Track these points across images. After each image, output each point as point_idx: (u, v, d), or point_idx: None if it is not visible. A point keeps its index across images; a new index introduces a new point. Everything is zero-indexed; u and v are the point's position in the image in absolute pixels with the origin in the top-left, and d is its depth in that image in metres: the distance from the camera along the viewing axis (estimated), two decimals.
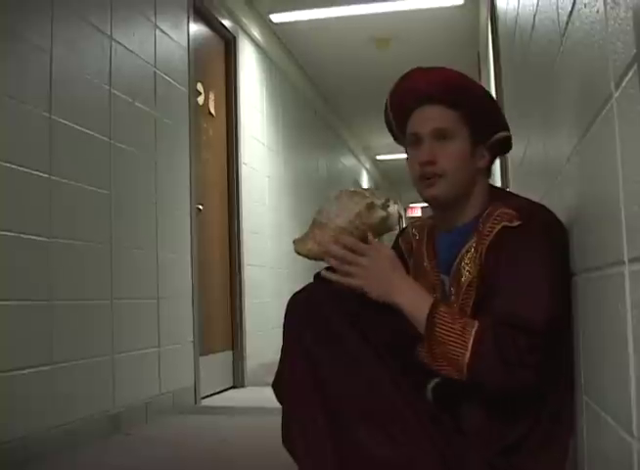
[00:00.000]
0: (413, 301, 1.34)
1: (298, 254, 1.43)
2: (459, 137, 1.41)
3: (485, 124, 1.44)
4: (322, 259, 1.46)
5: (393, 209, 1.45)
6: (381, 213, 1.42)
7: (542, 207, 1.39)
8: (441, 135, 1.41)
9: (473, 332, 1.25)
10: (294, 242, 1.43)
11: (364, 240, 1.42)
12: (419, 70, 1.48)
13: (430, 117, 1.43)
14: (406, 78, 1.49)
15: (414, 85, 1.46)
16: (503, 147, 1.51)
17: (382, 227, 1.43)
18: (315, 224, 1.43)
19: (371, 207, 1.40)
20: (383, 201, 1.43)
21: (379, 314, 1.46)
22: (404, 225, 1.69)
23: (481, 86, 1.51)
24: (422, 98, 1.44)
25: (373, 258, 1.37)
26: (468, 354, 1.24)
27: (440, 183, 1.41)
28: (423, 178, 1.43)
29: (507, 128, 1.49)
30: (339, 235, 1.39)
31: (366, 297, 1.43)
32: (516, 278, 1.27)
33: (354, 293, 1.44)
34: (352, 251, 1.38)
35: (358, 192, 1.44)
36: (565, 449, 1.32)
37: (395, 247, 1.62)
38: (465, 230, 1.41)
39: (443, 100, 1.41)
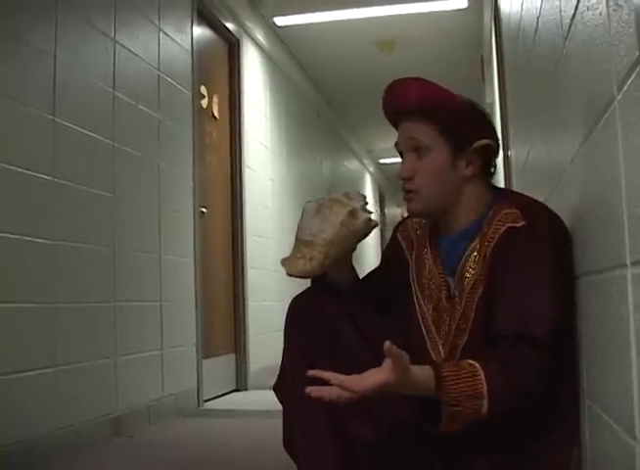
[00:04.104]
0: (421, 389, 1.22)
1: (291, 275, 1.41)
2: (436, 150, 1.40)
3: (465, 134, 1.42)
4: (315, 277, 1.45)
5: (371, 209, 1.44)
6: (364, 216, 1.41)
7: (545, 206, 1.39)
8: (417, 149, 1.42)
9: (484, 381, 1.20)
10: (282, 264, 1.41)
11: (353, 245, 1.43)
12: (398, 82, 1.46)
13: (406, 132, 1.44)
14: (388, 92, 1.48)
15: (393, 100, 1.47)
16: (489, 152, 1.49)
17: (367, 229, 1.43)
18: (300, 243, 1.40)
19: (353, 213, 1.40)
20: (362, 203, 1.43)
21: (380, 315, 1.46)
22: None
23: (458, 96, 1.47)
24: (400, 113, 1.45)
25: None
26: (486, 404, 1.20)
27: (416, 199, 1.43)
28: (404, 192, 1.45)
29: (490, 135, 1.44)
30: (329, 250, 1.37)
31: (367, 298, 1.43)
32: (520, 285, 1.27)
33: (354, 295, 1.45)
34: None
35: (336, 200, 1.41)
36: (569, 455, 1.31)
37: (393, 239, 1.60)
38: (468, 232, 1.41)
39: (417, 114, 1.41)
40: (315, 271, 1.39)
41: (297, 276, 1.40)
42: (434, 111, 1.40)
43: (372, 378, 1.18)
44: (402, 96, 1.45)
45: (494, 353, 1.25)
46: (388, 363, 1.17)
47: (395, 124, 1.49)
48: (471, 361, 1.23)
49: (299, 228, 1.42)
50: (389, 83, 1.48)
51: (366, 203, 1.44)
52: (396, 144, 1.48)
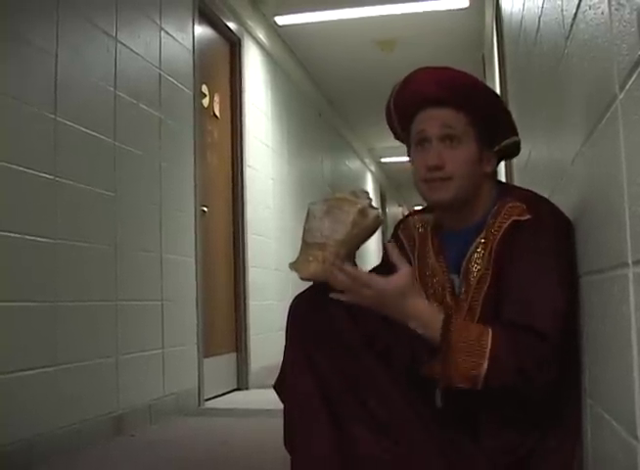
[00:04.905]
0: (427, 321, 1.29)
1: (303, 279, 1.39)
2: (467, 141, 1.38)
3: (494, 129, 1.41)
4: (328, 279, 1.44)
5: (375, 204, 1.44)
6: (373, 214, 1.40)
7: (547, 200, 1.39)
8: (450, 139, 1.38)
9: (489, 341, 1.22)
10: (293, 269, 1.38)
11: (361, 243, 1.42)
12: (425, 70, 1.44)
13: (438, 119, 1.39)
14: (412, 79, 1.44)
15: (421, 87, 1.42)
16: (511, 151, 1.49)
17: (376, 226, 1.42)
18: (311, 246, 1.38)
19: (363, 211, 1.39)
20: (368, 201, 1.42)
21: (382, 315, 1.45)
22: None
23: (490, 88, 1.48)
24: (429, 100, 1.40)
25: (379, 293, 1.30)
26: (485, 365, 1.21)
27: (446, 188, 1.38)
28: (428, 181, 1.40)
29: (516, 132, 1.45)
30: (340, 250, 1.37)
31: None
32: (527, 277, 1.27)
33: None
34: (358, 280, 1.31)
35: (344, 200, 1.40)
36: (571, 454, 1.31)
37: (394, 237, 1.59)
38: (474, 229, 1.40)
39: (452, 102, 1.38)
40: (329, 273, 1.38)
41: (310, 280, 1.40)
42: (470, 100, 1.38)
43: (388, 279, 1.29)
44: (437, 82, 1.40)
45: (505, 329, 1.25)
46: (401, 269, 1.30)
47: (411, 114, 1.43)
48: (482, 325, 1.26)
49: (308, 231, 1.40)
50: (414, 71, 1.44)
51: (371, 199, 1.43)
52: (423, 130, 1.40)
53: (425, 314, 1.30)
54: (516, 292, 1.28)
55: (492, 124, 1.41)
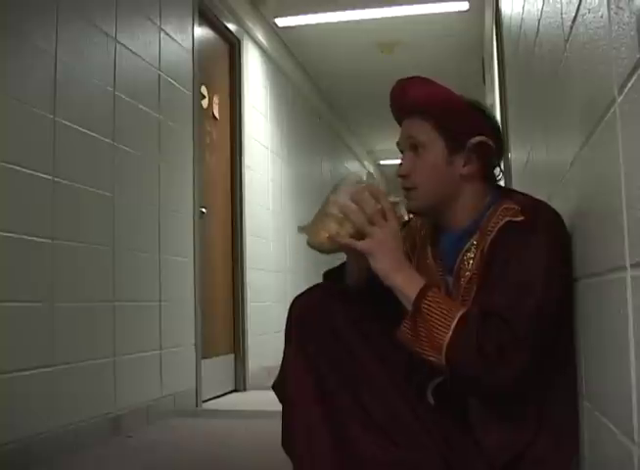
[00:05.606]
0: (410, 281, 1.33)
1: (310, 245, 1.39)
2: (433, 147, 1.42)
3: (460, 130, 1.42)
4: (335, 252, 1.43)
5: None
6: (398, 213, 1.42)
7: (545, 203, 1.39)
8: (414, 147, 1.44)
9: (458, 314, 1.25)
10: (303, 231, 1.39)
11: None
12: (400, 82, 1.49)
13: (404, 130, 1.47)
14: (392, 92, 1.51)
15: (395, 100, 1.49)
16: (488, 153, 1.46)
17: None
18: (330, 217, 1.38)
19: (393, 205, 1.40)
20: (400, 199, 1.43)
21: (381, 315, 1.46)
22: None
23: (456, 94, 1.48)
24: (401, 112, 1.48)
25: (385, 231, 1.34)
26: (449, 335, 1.24)
27: (413, 197, 1.45)
28: (403, 190, 1.47)
29: (490, 135, 1.43)
30: (354, 233, 1.36)
31: (368, 297, 1.43)
32: (514, 275, 1.27)
33: (357, 295, 1.45)
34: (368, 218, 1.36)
35: (378, 190, 1.40)
36: (568, 457, 1.31)
37: None
38: (468, 230, 1.41)
39: (415, 112, 1.44)
40: (334, 250, 1.39)
41: (315, 248, 1.39)
42: (430, 108, 1.42)
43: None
44: (402, 95, 1.47)
45: (477, 312, 1.27)
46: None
47: (400, 124, 1.50)
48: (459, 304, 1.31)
49: (331, 202, 1.39)
50: (394, 84, 1.50)
51: (398, 202, 1.43)
52: (398, 143, 1.49)
53: (410, 274, 1.34)
54: (499, 287, 1.28)
55: (457, 127, 1.42)
